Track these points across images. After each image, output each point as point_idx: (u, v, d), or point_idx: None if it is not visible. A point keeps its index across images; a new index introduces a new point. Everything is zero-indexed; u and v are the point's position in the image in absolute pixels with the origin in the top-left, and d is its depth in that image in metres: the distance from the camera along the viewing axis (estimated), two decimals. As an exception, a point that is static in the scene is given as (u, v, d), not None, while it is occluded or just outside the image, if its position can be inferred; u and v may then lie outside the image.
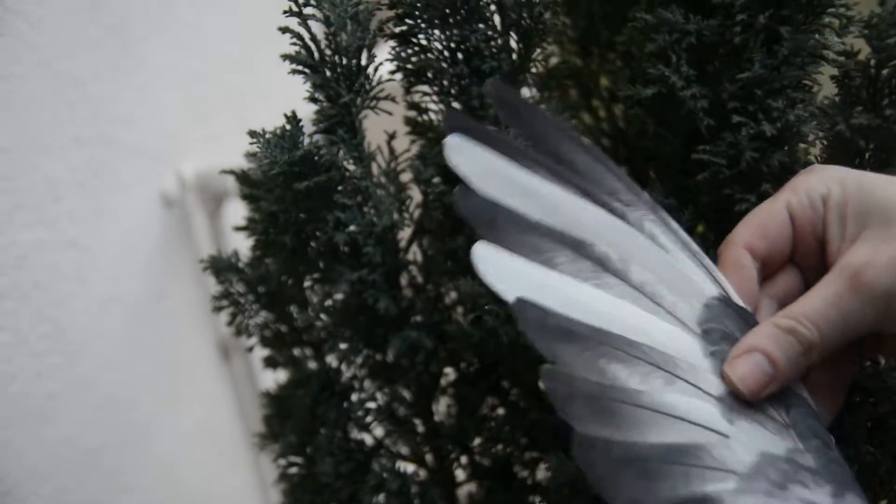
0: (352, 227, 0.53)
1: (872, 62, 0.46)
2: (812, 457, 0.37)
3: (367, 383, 0.58)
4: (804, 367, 0.38)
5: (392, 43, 0.56)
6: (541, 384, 0.55)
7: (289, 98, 0.61)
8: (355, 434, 0.58)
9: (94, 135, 0.82)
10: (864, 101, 0.47)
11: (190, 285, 0.91)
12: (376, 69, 0.54)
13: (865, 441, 0.48)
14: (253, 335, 0.60)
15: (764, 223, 0.42)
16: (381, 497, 0.56)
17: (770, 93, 0.47)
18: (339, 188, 0.52)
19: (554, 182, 0.38)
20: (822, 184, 0.41)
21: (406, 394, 0.58)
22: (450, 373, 0.58)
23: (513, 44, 0.56)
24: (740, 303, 0.40)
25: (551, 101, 0.64)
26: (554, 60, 0.67)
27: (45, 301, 0.75)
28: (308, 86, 0.54)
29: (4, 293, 0.71)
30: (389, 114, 0.56)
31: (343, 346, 0.56)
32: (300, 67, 0.53)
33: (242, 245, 0.61)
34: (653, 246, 0.39)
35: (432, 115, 0.58)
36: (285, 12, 0.53)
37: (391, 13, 0.55)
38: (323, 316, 0.56)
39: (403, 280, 0.57)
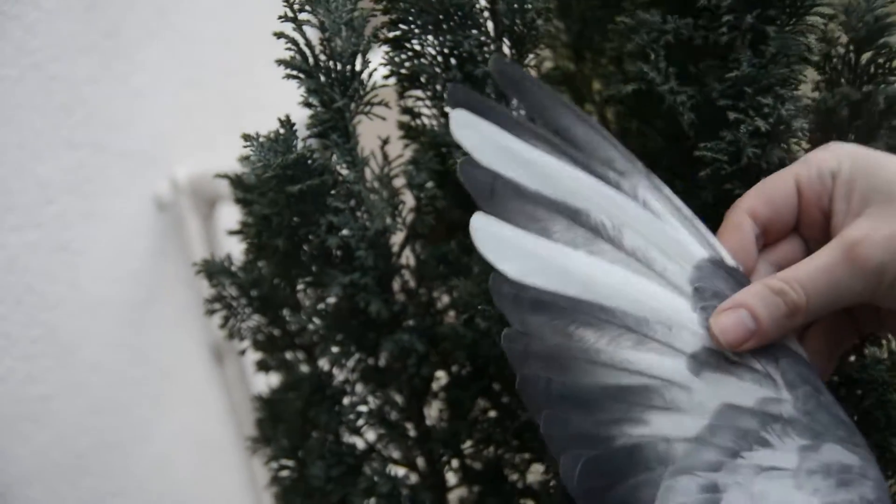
0: (344, 231, 0.53)
1: (851, 47, 0.47)
2: (792, 404, 0.38)
3: (358, 387, 0.58)
4: (787, 328, 0.39)
5: (386, 48, 0.57)
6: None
7: (283, 103, 0.61)
8: (347, 438, 0.58)
9: (88, 138, 0.82)
10: (845, 84, 0.48)
11: (182, 288, 0.91)
12: (370, 74, 0.55)
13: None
14: (245, 338, 0.60)
15: (770, 191, 0.43)
16: (372, 501, 0.56)
17: (759, 90, 0.47)
18: (332, 192, 0.53)
19: (552, 153, 0.40)
20: (833, 159, 0.42)
21: (397, 397, 0.58)
22: (441, 377, 0.59)
23: (506, 49, 0.57)
24: (732, 263, 0.41)
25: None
26: (547, 65, 0.68)
27: (36, 304, 0.75)
28: (302, 90, 0.54)
29: (-3, 296, 0.71)
30: (383, 119, 0.56)
31: (335, 349, 0.56)
32: (294, 72, 0.53)
33: (235, 249, 0.62)
34: (645, 212, 0.40)
35: (426, 120, 0.58)
36: (280, 17, 0.53)
37: (385, 18, 0.56)
38: (315, 319, 0.56)
39: (396, 284, 0.57)
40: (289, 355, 0.61)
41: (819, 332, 0.44)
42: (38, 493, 0.72)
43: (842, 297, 0.40)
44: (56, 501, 0.74)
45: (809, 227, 0.43)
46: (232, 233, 0.59)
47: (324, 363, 0.59)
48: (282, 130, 0.52)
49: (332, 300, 0.57)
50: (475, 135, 0.40)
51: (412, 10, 0.54)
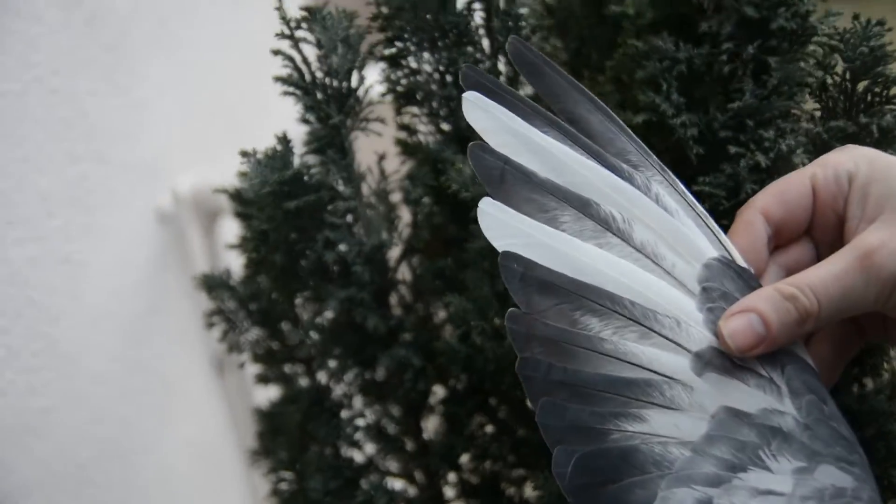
0: (341, 247, 0.53)
1: (848, 75, 0.47)
2: (794, 416, 0.37)
3: (356, 401, 0.59)
4: (797, 334, 0.39)
5: (382, 65, 0.58)
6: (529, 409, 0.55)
7: (283, 115, 0.62)
8: (345, 451, 0.59)
9: (89, 151, 0.83)
10: (840, 113, 0.48)
11: (184, 300, 0.91)
12: (367, 91, 0.55)
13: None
14: (245, 352, 0.60)
15: (784, 191, 0.42)
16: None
17: (761, 123, 0.47)
18: (329, 208, 0.53)
19: (564, 142, 0.40)
20: (850, 161, 0.41)
21: (395, 411, 0.59)
22: (438, 391, 0.59)
23: (501, 67, 0.57)
24: (743, 264, 0.40)
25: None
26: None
27: (38, 317, 0.75)
28: (300, 107, 0.55)
29: (-1, 309, 0.71)
30: (379, 135, 0.57)
31: (333, 363, 0.56)
32: (292, 89, 0.54)
33: (236, 261, 0.62)
34: (657, 207, 0.40)
35: (422, 137, 0.58)
36: (277, 35, 0.54)
37: (381, 36, 0.56)
38: (313, 333, 0.56)
39: (393, 299, 0.58)
40: (288, 368, 0.61)
41: (825, 338, 0.43)
42: (39, 503, 0.73)
43: (854, 305, 0.39)
44: (57, 513, 0.75)
45: (822, 229, 0.42)
46: (231, 247, 0.60)
47: (322, 377, 0.59)
48: (278, 147, 0.53)
49: (329, 314, 0.57)
50: (487, 118, 0.39)
51: (408, 28, 0.55)
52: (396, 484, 0.59)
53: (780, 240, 0.43)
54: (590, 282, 0.38)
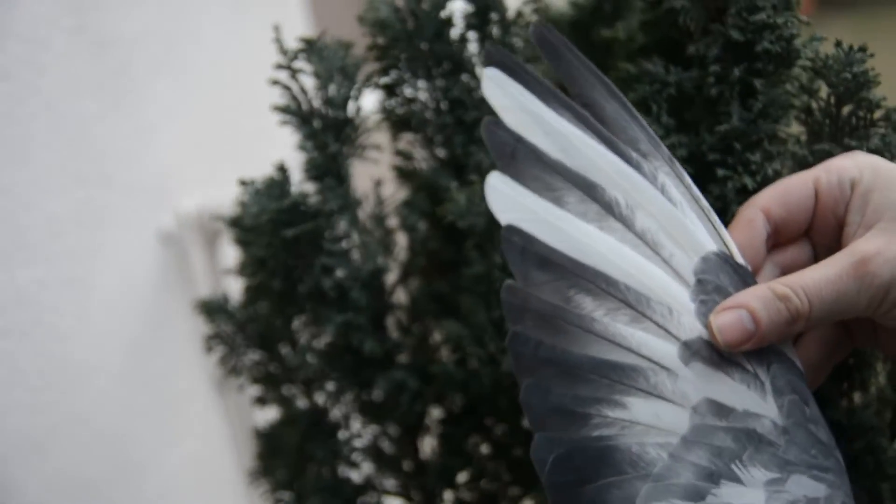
0: (338, 272, 0.55)
1: (832, 100, 0.48)
2: (773, 418, 0.38)
3: (354, 422, 0.60)
4: (787, 334, 0.39)
5: (379, 93, 0.59)
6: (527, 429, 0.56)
7: (286, 137, 0.63)
8: (343, 471, 0.60)
9: (95, 174, 0.85)
10: (826, 137, 0.49)
11: (186, 321, 0.93)
12: (363, 120, 0.57)
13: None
14: (243, 374, 0.61)
15: (788, 191, 0.42)
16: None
17: (748, 146, 0.48)
18: (326, 234, 0.54)
19: (577, 125, 0.40)
20: (855, 167, 0.42)
21: (392, 432, 0.60)
22: (435, 412, 0.60)
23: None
24: (740, 261, 0.41)
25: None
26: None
27: (43, 337, 0.76)
28: (298, 135, 0.56)
29: (3, 330, 0.73)
30: (376, 161, 0.58)
31: (330, 385, 0.57)
32: (290, 118, 0.56)
33: (236, 282, 0.63)
34: (662, 197, 0.40)
35: (417, 163, 0.60)
36: (276, 66, 0.56)
37: (378, 65, 0.58)
38: (311, 356, 0.58)
39: (389, 322, 0.59)
40: (286, 390, 0.63)
41: (813, 341, 0.44)
42: (43, 523, 0.74)
43: (845, 309, 0.39)
44: (62, 531, 0.76)
45: (821, 232, 0.43)
46: (230, 272, 0.61)
47: (320, 398, 0.60)
48: (276, 176, 0.54)
49: (327, 338, 0.59)
50: (505, 95, 0.40)
51: (403, 57, 0.57)
52: (394, 503, 0.60)
53: (778, 239, 0.43)
54: (587, 262, 0.39)
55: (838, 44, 0.48)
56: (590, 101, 0.42)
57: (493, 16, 0.55)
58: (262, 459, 0.65)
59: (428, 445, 0.61)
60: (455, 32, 0.57)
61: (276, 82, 0.56)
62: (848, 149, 0.47)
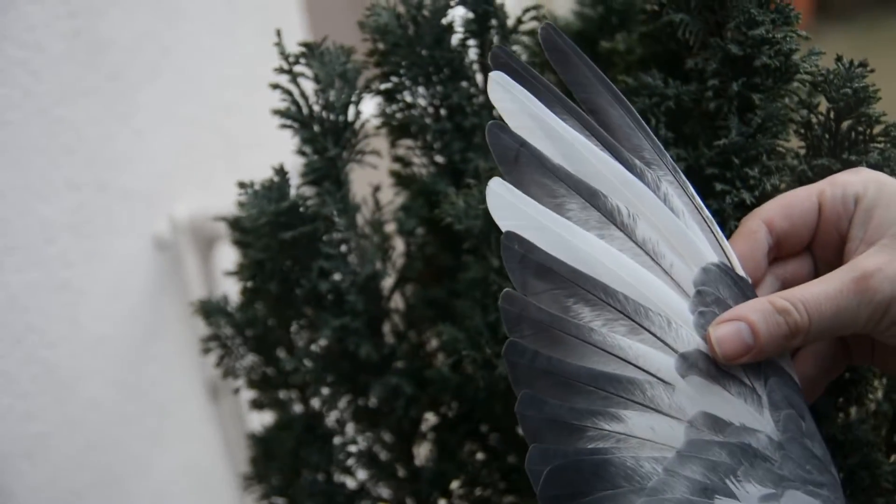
0: (336, 276, 0.55)
1: (832, 115, 0.48)
2: (769, 432, 0.38)
3: (349, 428, 0.59)
4: (785, 347, 0.39)
5: (378, 99, 0.59)
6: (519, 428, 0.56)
7: (281, 144, 0.63)
8: (337, 477, 0.59)
9: (89, 179, 0.84)
10: (825, 151, 0.49)
11: (180, 327, 0.92)
12: (363, 125, 0.57)
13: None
14: (240, 377, 0.61)
15: (791, 204, 0.42)
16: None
17: (747, 160, 0.48)
18: (324, 238, 0.54)
19: (582, 131, 0.40)
20: (860, 183, 0.42)
21: (387, 438, 0.59)
22: (430, 418, 0.60)
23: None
24: (741, 273, 0.41)
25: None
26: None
27: (36, 343, 0.76)
28: (297, 140, 0.57)
29: (-3, 335, 0.72)
30: (374, 167, 0.58)
31: (326, 391, 0.57)
32: (289, 122, 0.56)
33: (233, 288, 0.63)
34: (664, 206, 0.40)
35: (416, 169, 0.60)
36: (276, 70, 0.56)
37: (378, 71, 0.58)
38: (307, 361, 0.57)
39: (386, 327, 0.59)
40: (282, 394, 0.62)
41: (810, 355, 0.44)
42: (33, 529, 0.73)
43: (845, 325, 0.39)
44: (51, 538, 0.75)
45: (824, 247, 0.43)
46: (228, 274, 0.61)
47: (315, 403, 0.60)
48: (276, 178, 0.54)
49: (324, 342, 0.58)
50: (510, 99, 0.40)
51: (403, 63, 0.57)
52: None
53: (780, 252, 0.43)
54: (587, 271, 0.39)
55: (839, 59, 0.48)
56: (595, 107, 0.42)
57: (494, 23, 0.56)
58: (257, 464, 0.65)
59: (423, 453, 0.61)
60: (455, 39, 0.57)
61: (276, 86, 0.56)
62: (847, 164, 0.47)
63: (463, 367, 0.53)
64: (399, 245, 0.59)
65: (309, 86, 0.56)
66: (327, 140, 0.55)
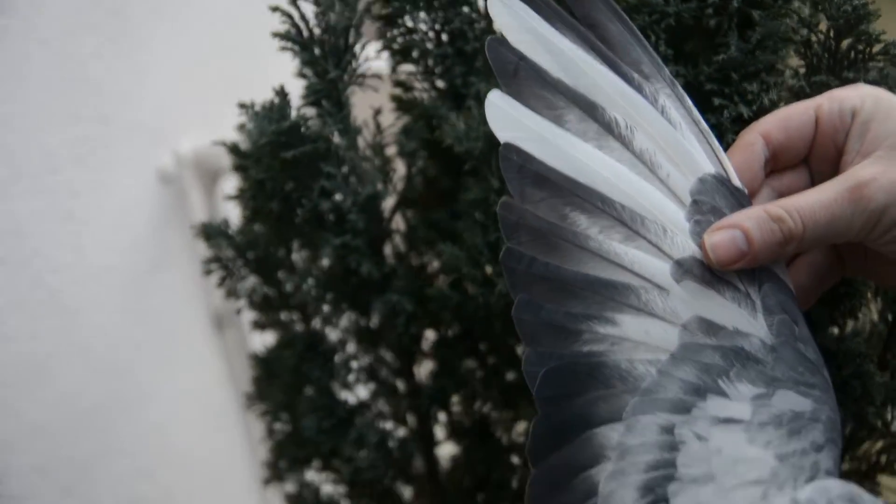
0: (336, 196, 0.55)
1: (831, 33, 0.48)
2: (761, 336, 0.39)
3: (350, 347, 0.61)
4: (779, 255, 0.40)
5: (379, 23, 0.59)
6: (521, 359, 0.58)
7: (283, 77, 0.63)
8: (339, 393, 0.61)
9: (93, 112, 0.85)
10: (824, 69, 0.49)
11: (185, 259, 0.93)
12: (363, 47, 0.57)
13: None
14: (241, 298, 0.62)
15: (788, 117, 0.43)
16: (363, 453, 0.59)
17: (745, 76, 0.49)
18: (325, 158, 0.55)
19: (581, 45, 0.41)
20: (857, 97, 0.42)
21: (388, 357, 0.61)
22: (431, 337, 0.61)
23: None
24: (737, 183, 0.42)
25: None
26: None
27: (42, 268, 0.77)
28: (297, 62, 0.57)
29: (2, 258, 0.73)
30: (375, 90, 0.59)
31: (326, 308, 0.58)
32: (290, 45, 0.56)
33: (235, 217, 0.64)
34: (661, 118, 0.41)
35: (417, 93, 0.60)
36: (278, -9, 0.56)
37: (379, -6, 0.58)
38: (309, 280, 0.58)
39: (387, 249, 0.60)
40: (283, 316, 0.64)
41: (804, 265, 0.45)
42: (43, 445, 0.75)
43: (839, 233, 0.40)
44: (60, 455, 0.77)
45: (820, 160, 0.43)
46: (229, 198, 0.62)
47: (317, 323, 0.61)
48: (276, 99, 0.55)
49: (325, 263, 0.60)
50: (510, 14, 0.40)
51: (404, -13, 0.57)
52: (389, 425, 0.61)
53: (777, 164, 0.44)
54: (584, 181, 0.39)
55: None
56: (594, 22, 0.42)
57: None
58: (259, 384, 0.66)
59: (423, 372, 0.62)
60: (456, -38, 0.57)
61: (276, 9, 0.56)
62: (845, 81, 0.48)
63: (463, 285, 0.54)
64: (400, 168, 0.60)
65: (309, 9, 0.57)
66: (328, 62, 0.56)
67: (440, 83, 0.59)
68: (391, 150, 0.60)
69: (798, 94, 0.50)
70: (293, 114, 0.56)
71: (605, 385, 0.39)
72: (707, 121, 0.50)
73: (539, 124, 0.40)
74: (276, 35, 0.56)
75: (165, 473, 0.90)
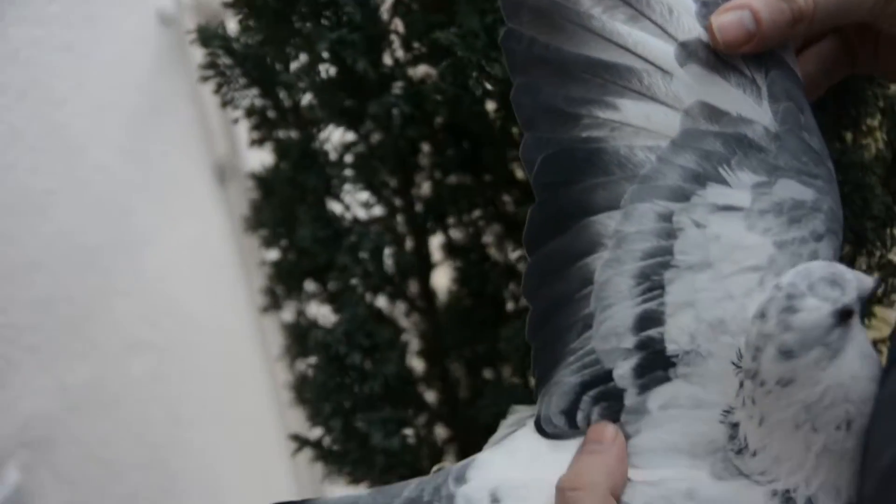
0: (333, -11, 0.53)
1: None
2: (765, 127, 0.38)
3: (348, 158, 0.60)
4: (788, 35, 0.39)
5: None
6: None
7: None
8: (335, 205, 0.60)
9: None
10: None
11: (186, 105, 0.92)
12: None
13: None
14: (238, 107, 0.61)
15: None
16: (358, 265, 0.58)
17: None
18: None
19: None
20: None
21: (385, 172, 0.59)
22: (427, 152, 0.60)
23: None
24: None
25: None
26: None
27: (42, 99, 0.76)
28: None
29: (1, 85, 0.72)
30: None
31: (322, 114, 0.57)
32: None
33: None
34: None
35: None
36: None
37: None
38: (303, 86, 0.57)
39: (386, 58, 0.58)
40: (281, 134, 0.62)
41: (813, 54, 0.44)
42: (44, 278, 0.75)
43: (850, 10, 0.39)
44: (61, 291, 0.77)
45: None
46: (225, 6, 0.59)
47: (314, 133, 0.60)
48: None
49: (323, 72, 0.58)
50: None
51: None
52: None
53: None
54: None
55: None
56: None
57: None
58: (256, 208, 0.66)
59: (421, 193, 0.61)
60: None
61: None
62: None
63: (457, 78, 0.52)
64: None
65: None
66: None
67: None
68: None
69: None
70: None
71: (603, 172, 0.39)
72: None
73: None
74: None
75: (165, 321, 0.91)
